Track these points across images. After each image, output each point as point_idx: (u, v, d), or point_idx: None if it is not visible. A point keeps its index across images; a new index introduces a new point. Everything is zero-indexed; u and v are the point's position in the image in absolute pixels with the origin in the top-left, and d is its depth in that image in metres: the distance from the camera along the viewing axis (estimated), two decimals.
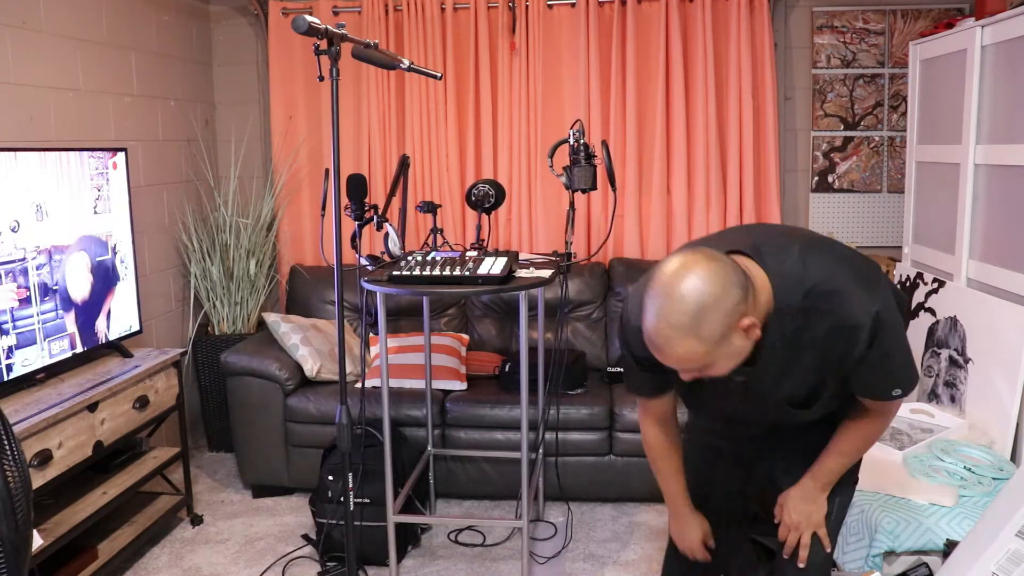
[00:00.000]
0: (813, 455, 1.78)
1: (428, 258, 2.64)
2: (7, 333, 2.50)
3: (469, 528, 3.19)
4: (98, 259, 2.93)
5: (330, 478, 2.91)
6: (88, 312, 2.87)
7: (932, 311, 3.17)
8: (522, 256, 3.04)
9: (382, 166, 4.10)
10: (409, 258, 2.64)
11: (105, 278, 2.97)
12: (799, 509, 1.77)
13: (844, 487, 1.85)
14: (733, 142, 3.93)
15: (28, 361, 2.59)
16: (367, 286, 2.56)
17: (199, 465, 3.82)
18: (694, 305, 1.34)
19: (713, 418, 1.90)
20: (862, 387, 1.59)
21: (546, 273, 2.64)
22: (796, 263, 1.47)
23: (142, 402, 2.89)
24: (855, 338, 1.48)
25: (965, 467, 2.44)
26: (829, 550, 1.83)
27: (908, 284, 3.42)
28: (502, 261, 2.56)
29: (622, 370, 1.93)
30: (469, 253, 2.69)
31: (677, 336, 1.36)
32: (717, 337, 1.36)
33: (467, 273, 2.49)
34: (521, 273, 2.62)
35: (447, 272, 2.50)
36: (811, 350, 1.51)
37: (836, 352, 1.50)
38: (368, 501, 2.86)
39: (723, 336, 1.37)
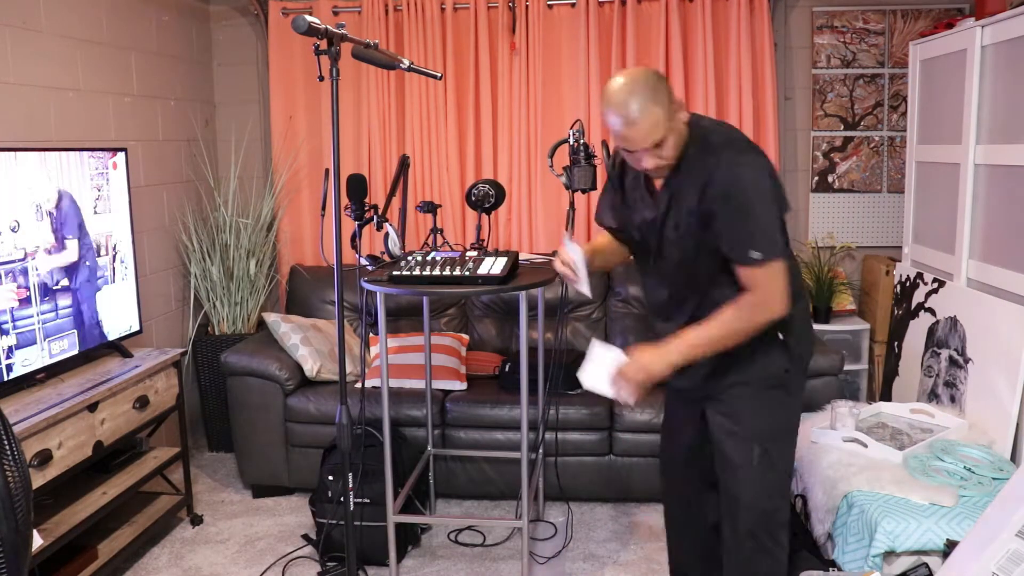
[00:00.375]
0: (747, 416, 2.00)
1: (428, 258, 2.64)
2: (7, 333, 2.50)
3: (469, 528, 3.19)
4: (97, 259, 2.93)
5: (330, 478, 2.91)
6: (88, 311, 2.87)
7: (932, 311, 3.17)
8: (522, 256, 3.04)
9: (382, 166, 4.10)
10: (409, 258, 2.64)
11: (104, 278, 2.97)
12: (639, 358, 1.97)
13: (769, 437, 1.98)
14: None
15: (28, 361, 2.59)
16: (367, 286, 2.56)
17: (199, 465, 3.82)
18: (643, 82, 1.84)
19: (653, 305, 2.14)
20: (725, 242, 1.85)
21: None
22: (707, 127, 1.93)
23: (142, 402, 2.89)
24: (714, 180, 1.83)
25: (965, 467, 2.44)
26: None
27: (908, 284, 3.42)
28: (502, 261, 2.56)
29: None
30: (469, 253, 2.69)
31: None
32: (664, 104, 1.83)
33: (467, 273, 2.49)
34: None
35: (447, 272, 2.50)
36: (689, 193, 1.88)
37: (700, 190, 1.85)
38: (368, 501, 2.86)
39: (653, 105, 1.81)
